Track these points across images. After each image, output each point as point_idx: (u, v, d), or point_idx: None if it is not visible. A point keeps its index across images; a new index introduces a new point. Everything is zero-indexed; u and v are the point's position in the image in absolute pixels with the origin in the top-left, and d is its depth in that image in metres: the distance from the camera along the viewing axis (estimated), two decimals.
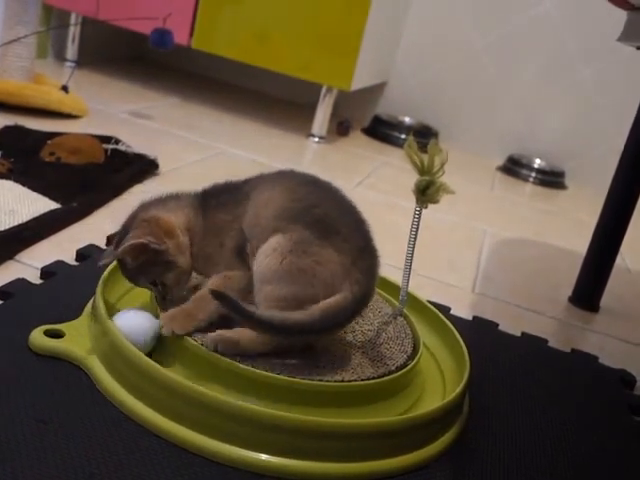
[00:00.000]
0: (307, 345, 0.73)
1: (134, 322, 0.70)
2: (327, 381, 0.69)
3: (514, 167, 2.31)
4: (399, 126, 2.34)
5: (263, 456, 0.62)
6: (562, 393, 0.90)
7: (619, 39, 1.14)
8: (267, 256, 0.69)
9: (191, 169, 1.46)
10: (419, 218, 0.76)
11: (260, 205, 0.72)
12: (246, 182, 0.76)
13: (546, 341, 1.05)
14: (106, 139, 1.37)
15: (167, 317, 0.70)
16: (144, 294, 0.81)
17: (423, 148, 0.73)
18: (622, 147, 1.21)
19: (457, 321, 1.00)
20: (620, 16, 1.15)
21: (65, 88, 1.61)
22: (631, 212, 1.20)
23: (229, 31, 1.96)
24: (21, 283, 0.82)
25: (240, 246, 0.72)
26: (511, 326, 1.07)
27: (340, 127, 2.21)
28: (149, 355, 0.69)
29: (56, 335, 0.72)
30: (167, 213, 0.74)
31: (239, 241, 0.72)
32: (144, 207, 0.76)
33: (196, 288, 0.77)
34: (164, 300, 0.74)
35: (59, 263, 0.89)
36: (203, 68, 2.63)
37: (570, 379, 0.94)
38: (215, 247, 0.73)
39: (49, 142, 1.29)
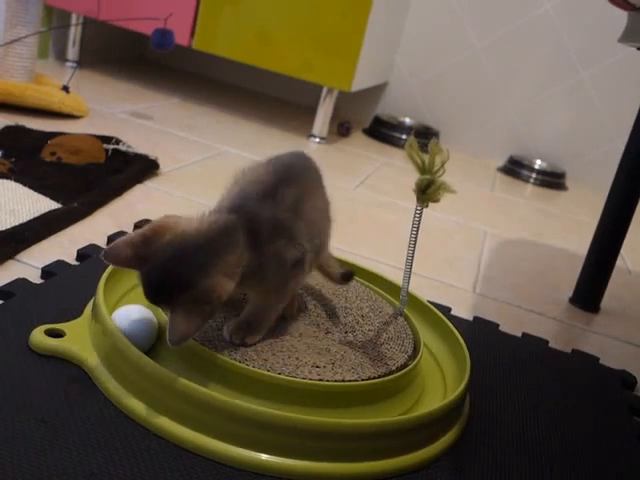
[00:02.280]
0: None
1: (133, 319, 0.70)
2: (327, 381, 0.69)
3: (515, 168, 2.31)
4: (399, 127, 2.34)
5: (263, 456, 0.62)
6: (563, 394, 0.90)
7: (620, 40, 1.14)
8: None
9: (191, 169, 1.46)
10: (420, 217, 0.76)
11: (311, 217, 0.74)
12: (277, 198, 0.71)
13: (547, 342, 1.05)
14: (107, 139, 1.37)
15: (234, 328, 0.72)
16: None
17: (424, 148, 0.73)
18: (623, 148, 1.20)
19: (458, 321, 1.00)
20: (621, 17, 1.15)
21: (66, 88, 1.61)
22: (632, 213, 1.20)
23: (230, 32, 1.96)
24: (22, 283, 0.82)
25: (298, 259, 0.71)
26: (512, 327, 1.07)
27: (341, 128, 2.21)
28: (148, 353, 0.69)
29: (57, 335, 0.72)
30: (228, 272, 0.64)
31: (298, 256, 0.71)
32: (200, 259, 0.63)
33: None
34: None
35: (60, 263, 0.89)
36: (204, 68, 2.64)
37: (571, 380, 0.94)
38: (277, 274, 0.70)
39: (50, 142, 1.29)
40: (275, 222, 0.69)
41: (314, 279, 0.90)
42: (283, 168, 0.76)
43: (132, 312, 0.71)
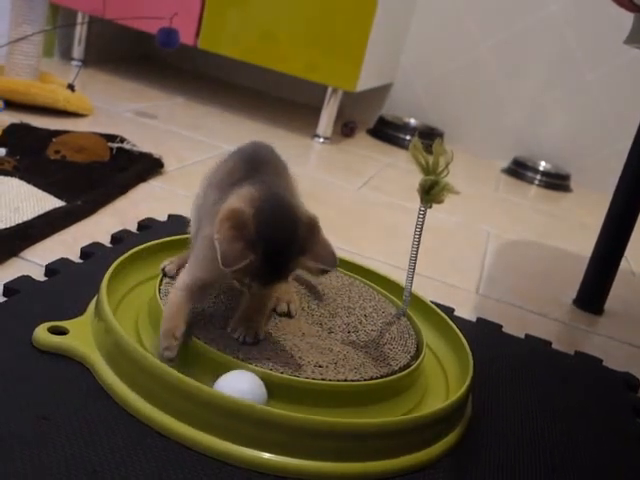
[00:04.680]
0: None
1: (245, 389, 0.65)
2: (330, 380, 0.69)
3: (519, 169, 2.30)
4: (404, 127, 2.33)
5: (265, 455, 0.62)
6: (566, 395, 0.89)
7: (625, 41, 1.14)
8: None
9: (195, 168, 1.46)
10: (423, 218, 0.76)
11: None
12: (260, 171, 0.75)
13: (550, 343, 1.04)
14: (111, 138, 1.38)
15: (243, 329, 0.72)
16: (148, 291, 0.82)
17: (428, 149, 0.73)
18: (627, 150, 1.20)
19: (461, 322, 1.00)
20: (626, 18, 1.15)
21: (71, 87, 1.62)
22: (636, 215, 1.20)
23: (235, 31, 1.96)
24: (25, 280, 0.82)
25: None
26: (515, 328, 1.07)
27: (345, 128, 2.21)
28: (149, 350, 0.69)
29: (60, 332, 0.72)
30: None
31: None
32: (289, 202, 0.69)
33: None
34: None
35: (63, 261, 0.89)
36: (209, 68, 2.64)
37: (574, 381, 0.94)
38: None
39: (54, 140, 1.30)
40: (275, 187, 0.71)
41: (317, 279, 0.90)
42: (250, 155, 0.77)
43: (238, 382, 0.66)
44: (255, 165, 0.75)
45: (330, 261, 0.66)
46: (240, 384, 0.65)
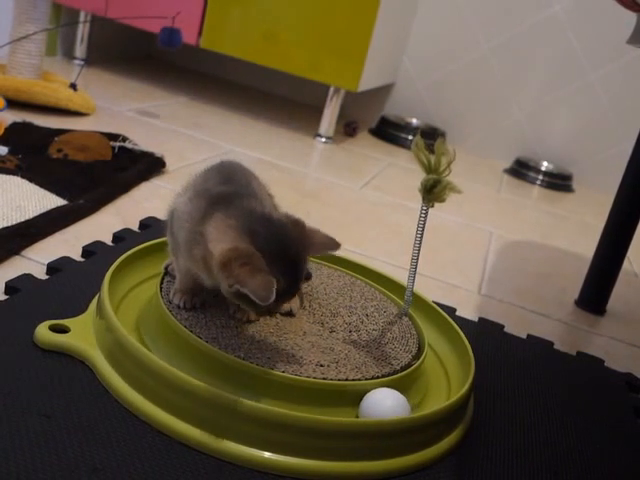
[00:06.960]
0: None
1: (389, 405, 0.68)
2: (331, 380, 0.69)
3: (521, 170, 2.30)
4: (406, 127, 2.33)
5: (266, 454, 0.62)
6: (567, 396, 0.89)
7: (628, 41, 1.14)
8: None
9: (197, 168, 1.45)
10: (425, 217, 0.76)
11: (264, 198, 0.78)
12: (234, 181, 0.77)
13: (552, 344, 1.04)
14: (113, 137, 1.38)
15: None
16: (150, 290, 0.82)
17: (430, 149, 0.73)
18: (630, 150, 1.20)
19: (463, 322, 1.00)
20: (629, 18, 1.15)
21: (73, 86, 1.62)
22: (638, 215, 1.19)
23: (237, 31, 1.96)
24: (27, 279, 0.82)
25: None
26: (517, 328, 1.07)
27: (347, 128, 2.21)
28: (153, 351, 0.69)
29: (61, 330, 0.72)
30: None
31: None
32: (267, 213, 0.70)
33: None
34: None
35: (65, 259, 0.89)
36: (211, 67, 2.64)
37: (575, 382, 0.94)
38: None
39: (57, 139, 1.30)
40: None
41: (318, 278, 0.90)
42: (221, 168, 0.80)
43: (384, 398, 0.69)
44: (226, 174, 0.78)
45: (332, 244, 0.69)
46: (385, 401, 0.68)
